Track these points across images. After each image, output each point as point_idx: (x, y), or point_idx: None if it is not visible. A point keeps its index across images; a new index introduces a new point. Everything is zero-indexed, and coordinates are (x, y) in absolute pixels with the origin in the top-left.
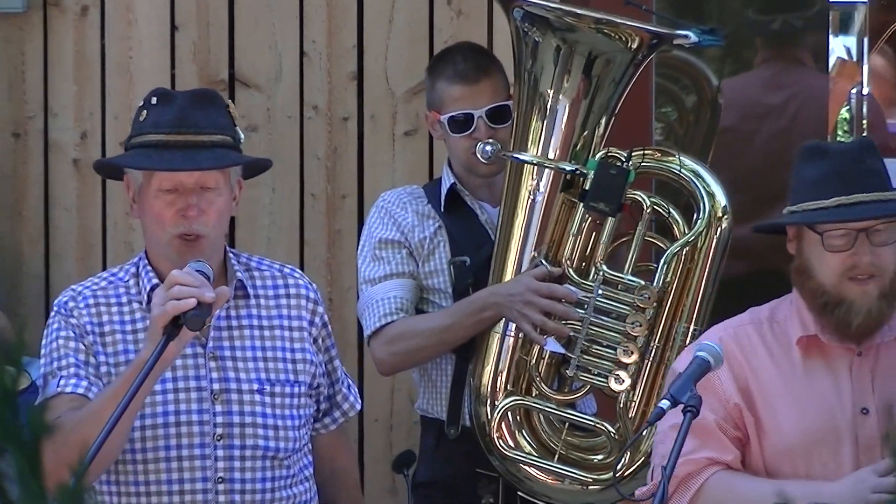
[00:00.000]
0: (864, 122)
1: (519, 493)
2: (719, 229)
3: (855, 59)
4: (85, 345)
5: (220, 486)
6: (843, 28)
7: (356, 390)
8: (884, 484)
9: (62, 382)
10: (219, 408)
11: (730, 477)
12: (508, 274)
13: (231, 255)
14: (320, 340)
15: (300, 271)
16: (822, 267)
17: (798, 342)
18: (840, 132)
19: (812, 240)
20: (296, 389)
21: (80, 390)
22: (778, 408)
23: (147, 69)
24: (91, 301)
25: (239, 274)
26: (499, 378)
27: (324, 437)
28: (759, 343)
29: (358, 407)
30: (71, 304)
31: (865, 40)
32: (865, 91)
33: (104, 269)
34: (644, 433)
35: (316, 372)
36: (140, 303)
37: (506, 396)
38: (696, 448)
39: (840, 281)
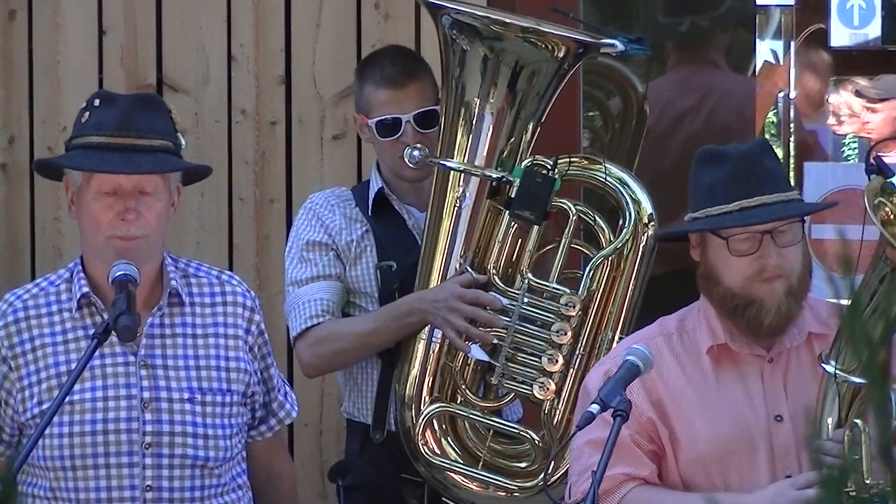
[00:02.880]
0: (792, 125)
1: (444, 498)
2: (645, 237)
3: (781, 62)
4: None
5: (149, 495)
6: (769, 31)
7: (293, 398)
8: (802, 497)
9: None
10: (148, 416)
11: (650, 492)
12: (434, 280)
13: (169, 260)
14: (256, 348)
15: (238, 278)
16: (729, 272)
17: (708, 352)
18: (767, 135)
19: (717, 245)
20: (228, 398)
21: None
22: (691, 419)
23: (75, 73)
24: (21, 315)
25: (174, 282)
26: (424, 384)
27: (259, 444)
28: (669, 354)
29: (294, 414)
30: None
31: (792, 43)
32: (792, 95)
33: (33, 273)
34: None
35: (251, 381)
36: (70, 310)
37: (431, 402)
38: (610, 464)
39: (748, 283)
